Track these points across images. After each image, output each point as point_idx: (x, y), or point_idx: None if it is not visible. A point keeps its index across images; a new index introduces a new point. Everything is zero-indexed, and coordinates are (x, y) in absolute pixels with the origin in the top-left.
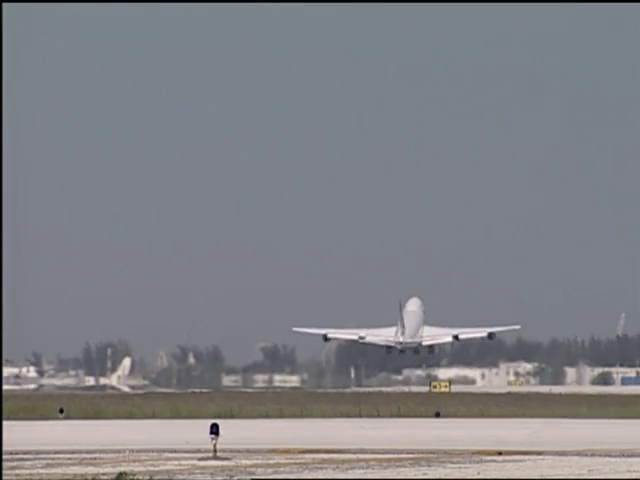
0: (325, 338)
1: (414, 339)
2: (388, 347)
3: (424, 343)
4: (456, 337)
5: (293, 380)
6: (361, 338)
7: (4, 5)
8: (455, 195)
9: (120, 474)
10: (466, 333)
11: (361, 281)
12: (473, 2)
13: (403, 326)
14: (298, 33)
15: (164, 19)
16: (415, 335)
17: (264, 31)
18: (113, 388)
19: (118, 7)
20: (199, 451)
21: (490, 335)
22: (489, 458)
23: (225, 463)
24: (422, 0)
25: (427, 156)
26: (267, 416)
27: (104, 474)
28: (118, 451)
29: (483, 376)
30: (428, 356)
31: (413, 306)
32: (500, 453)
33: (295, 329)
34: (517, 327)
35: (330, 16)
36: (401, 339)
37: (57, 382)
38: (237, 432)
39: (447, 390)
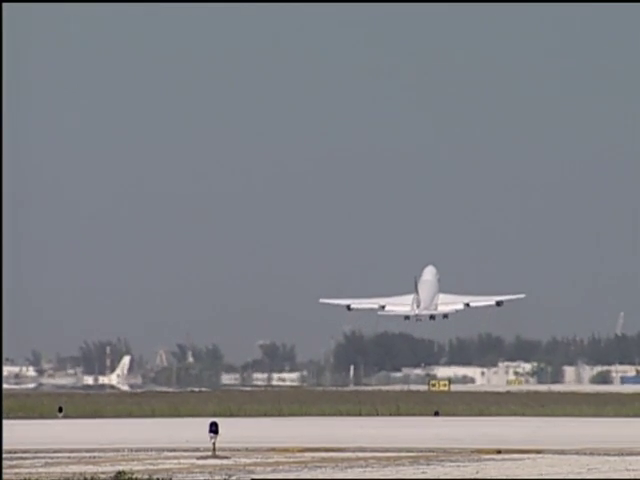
0: (348, 308)
1: (429, 310)
2: (406, 316)
3: (438, 310)
4: (467, 305)
5: (292, 378)
6: (382, 307)
7: (4, 5)
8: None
9: (119, 473)
10: (476, 301)
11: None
12: (477, 2)
13: (419, 298)
14: (297, 32)
15: (164, 19)
16: (430, 305)
17: (263, 31)
18: (112, 387)
19: (118, 7)
20: (198, 450)
21: (498, 303)
22: (488, 457)
23: (224, 462)
24: (425, 0)
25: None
26: (266, 415)
27: (103, 473)
28: (117, 450)
29: (482, 375)
30: (429, 353)
31: (428, 275)
32: (499, 452)
33: (322, 300)
34: (522, 296)
35: (330, 16)
36: (417, 311)
37: (56, 381)
38: (236, 431)
39: (446, 389)
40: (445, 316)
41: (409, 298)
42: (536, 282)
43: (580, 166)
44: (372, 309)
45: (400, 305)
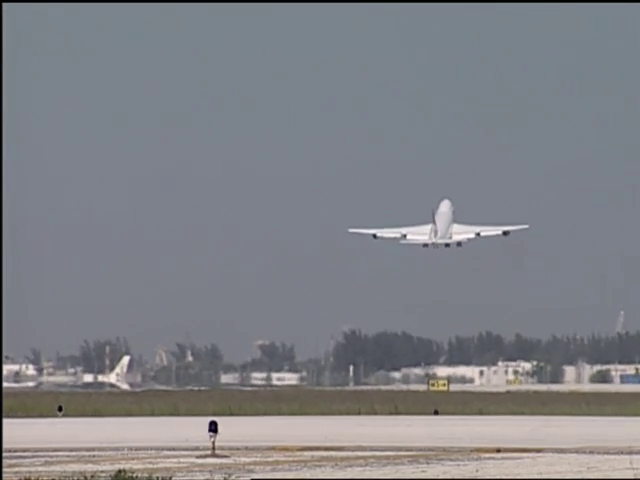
0: (374, 236)
1: (444, 239)
2: (425, 244)
3: (453, 239)
4: (478, 234)
5: (292, 378)
6: (403, 236)
7: (4, 5)
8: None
9: (119, 472)
10: (485, 231)
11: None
12: (483, 2)
13: (436, 228)
14: (294, 31)
15: (164, 19)
16: (446, 235)
17: (261, 30)
18: (112, 386)
19: (118, 7)
20: (198, 449)
21: (505, 232)
22: (488, 455)
23: (224, 461)
24: (428, 0)
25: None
26: (266, 414)
27: (103, 472)
28: (117, 449)
29: (481, 374)
30: (428, 352)
31: (444, 207)
32: (499, 450)
33: (351, 230)
34: (526, 226)
35: (328, 16)
36: (434, 240)
37: (56, 380)
38: (236, 429)
39: (445, 389)
40: (459, 244)
41: (428, 228)
42: (535, 281)
43: (579, 164)
44: (395, 237)
45: (420, 234)
